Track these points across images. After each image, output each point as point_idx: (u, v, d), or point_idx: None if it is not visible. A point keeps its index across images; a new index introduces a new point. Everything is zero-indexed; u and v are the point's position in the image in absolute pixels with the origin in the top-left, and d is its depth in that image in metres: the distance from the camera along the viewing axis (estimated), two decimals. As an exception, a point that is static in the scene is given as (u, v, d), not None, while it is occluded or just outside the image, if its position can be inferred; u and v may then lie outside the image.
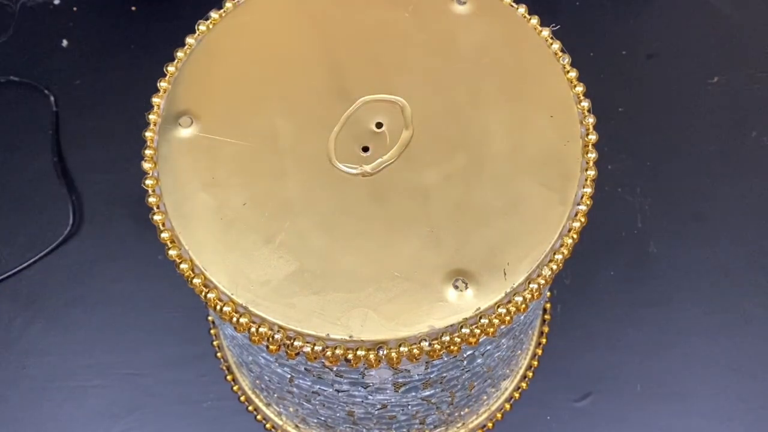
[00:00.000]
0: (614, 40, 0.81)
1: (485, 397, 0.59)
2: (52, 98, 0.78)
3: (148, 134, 0.46)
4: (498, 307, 0.41)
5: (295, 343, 0.41)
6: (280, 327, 0.41)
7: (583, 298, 0.68)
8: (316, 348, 0.41)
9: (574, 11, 0.83)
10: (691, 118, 0.77)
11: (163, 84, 0.48)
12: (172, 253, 0.43)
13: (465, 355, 0.47)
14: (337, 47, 0.48)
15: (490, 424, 0.62)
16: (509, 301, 0.42)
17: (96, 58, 0.80)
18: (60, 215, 0.72)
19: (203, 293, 0.42)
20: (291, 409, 0.57)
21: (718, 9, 0.82)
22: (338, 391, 0.48)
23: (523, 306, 0.42)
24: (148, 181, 0.44)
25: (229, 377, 0.64)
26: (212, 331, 0.66)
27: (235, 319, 0.41)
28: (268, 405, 0.62)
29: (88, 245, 0.71)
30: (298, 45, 0.49)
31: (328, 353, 0.41)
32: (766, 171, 0.74)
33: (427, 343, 0.41)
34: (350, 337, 0.40)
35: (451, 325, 0.41)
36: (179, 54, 0.48)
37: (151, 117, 0.47)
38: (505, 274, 0.42)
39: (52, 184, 0.73)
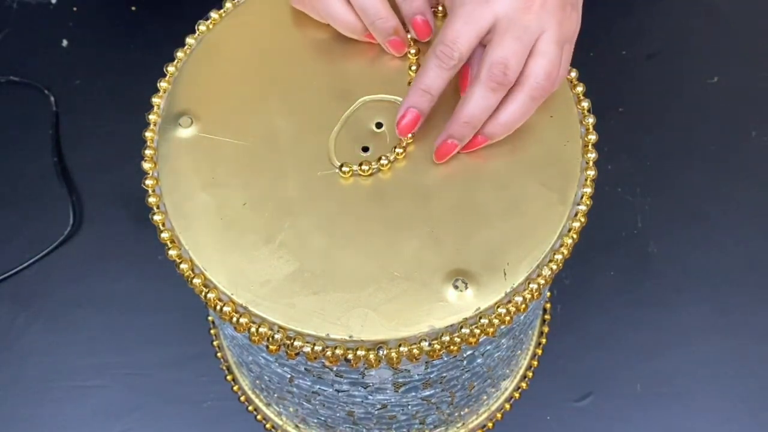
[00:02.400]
0: (614, 40, 0.81)
1: (485, 397, 0.59)
2: (52, 98, 0.78)
3: (148, 134, 0.46)
4: (498, 307, 0.41)
5: (295, 343, 0.41)
6: (280, 327, 0.41)
7: (583, 298, 0.68)
8: (316, 348, 0.41)
9: (574, 11, 0.82)
10: (691, 118, 0.77)
11: (163, 84, 0.48)
12: (172, 253, 0.43)
13: (465, 355, 0.47)
14: (337, 47, 0.48)
15: (490, 424, 0.62)
16: (509, 301, 0.42)
17: (96, 58, 0.80)
18: (60, 215, 0.72)
19: (203, 293, 0.42)
20: (291, 409, 0.57)
21: (718, 9, 0.82)
22: (338, 391, 0.48)
23: (523, 306, 0.42)
24: (148, 181, 0.44)
25: (229, 377, 0.64)
26: (212, 331, 0.66)
27: (235, 319, 0.41)
28: (268, 405, 0.62)
29: (88, 245, 0.71)
30: (298, 45, 0.49)
31: (328, 353, 0.41)
32: (766, 171, 0.74)
33: (427, 343, 0.41)
34: (350, 337, 0.40)
35: (451, 325, 0.41)
36: (179, 54, 0.48)
37: (151, 117, 0.47)
38: (505, 274, 0.42)
39: (52, 184, 0.73)
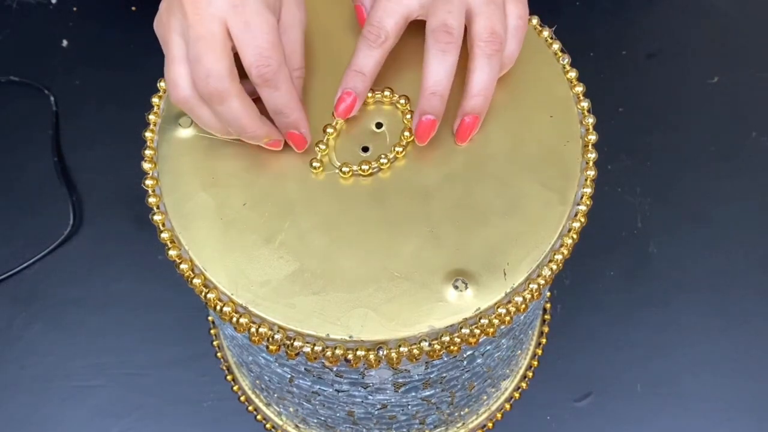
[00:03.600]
0: (614, 40, 0.81)
1: (485, 397, 0.59)
2: (52, 98, 0.78)
3: (148, 134, 0.46)
4: (498, 307, 0.41)
5: (295, 344, 0.41)
6: (280, 327, 0.41)
7: (583, 298, 0.68)
8: (316, 348, 0.41)
9: (574, 11, 0.83)
10: (691, 118, 0.77)
11: (163, 84, 0.48)
12: (172, 253, 0.43)
13: (465, 355, 0.47)
14: (337, 47, 0.48)
15: (490, 424, 0.62)
16: (509, 301, 0.42)
17: (96, 58, 0.80)
18: (60, 215, 0.72)
19: (203, 293, 0.42)
20: (291, 409, 0.57)
21: (718, 9, 0.82)
22: (338, 391, 0.48)
23: (523, 306, 0.42)
24: (148, 181, 0.44)
25: (229, 377, 0.64)
26: (212, 331, 0.66)
27: (235, 320, 0.41)
28: (268, 405, 0.62)
29: (88, 245, 0.71)
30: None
31: (328, 353, 0.41)
32: (766, 171, 0.74)
33: (427, 343, 0.41)
34: (350, 337, 0.40)
35: (451, 325, 0.41)
36: (179, 54, 0.48)
37: (151, 117, 0.47)
38: (505, 274, 0.42)
39: (52, 184, 0.73)
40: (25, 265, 0.70)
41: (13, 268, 0.70)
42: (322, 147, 0.45)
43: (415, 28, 0.48)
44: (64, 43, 0.81)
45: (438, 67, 0.43)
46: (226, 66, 0.40)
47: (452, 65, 0.43)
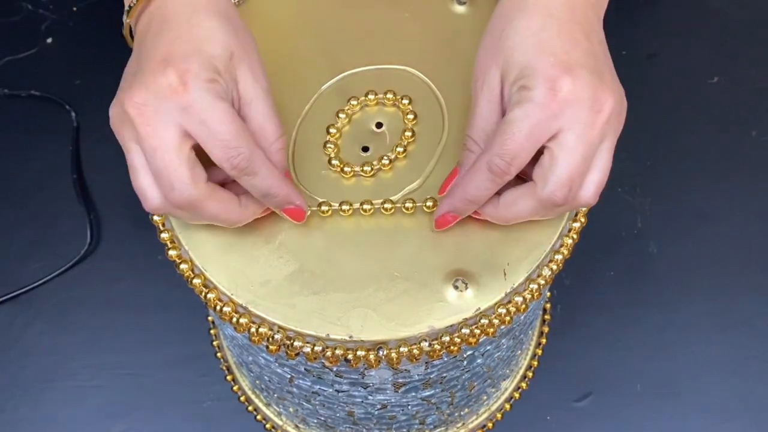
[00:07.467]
0: (614, 40, 0.80)
1: (485, 398, 0.59)
2: (51, 98, 0.78)
3: (148, 134, 0.46)
4: (498, 307, 0.41)
5: (295, 344, 0.41)
6: (280, 327, 0.41)
7: (583, 298, 0.68)
8: (316, 348, 0.41)
9: (574, 11, 0.83)
10: (691, 118, 0.77)
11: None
12: (172, 253, 0.43)
13: (465, 355, 0.47)
14: (338, 47, 0.48)
15: (490, 424, 0.62)
16: (509, 301, 0.42)
17: (96, 58, 0.80)
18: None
19: (203, 293, 0.42)
20: (291, 409, 0.57)
21: (718, 9, 0.82)
22: (338, 391, 0.48)
23: (523, 306, 0.42)
24: (148, 181, 0.44)
25: (229, 377, 0.64)
26: (212, 331, 0.66)
27: (235, 320, 0.41)
28: (268, 405, 0.62)
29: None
30: (299, 46, 0.49)
31: (328, 353, 0.41)
32: (766, 171, 0.74)
33: (427, 344, 0.41)
34: (350, 337, 0.40)
35: (451, 326, 0.41)
36: (179, 54, 0.48)
37: (152, 117, 0.47)
38: (505, 274, 0.42)
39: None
40: (40, 282, 0.69)
41: (31, 283, 0.69)
42: (331, 147, 0.45)
43: (418, 29, 0.48)
44: (65, 43, 0.81)
45: (485, 185, 0.39)
46: (187, 174, 0.38)
47: (493, 191, 0.40)
